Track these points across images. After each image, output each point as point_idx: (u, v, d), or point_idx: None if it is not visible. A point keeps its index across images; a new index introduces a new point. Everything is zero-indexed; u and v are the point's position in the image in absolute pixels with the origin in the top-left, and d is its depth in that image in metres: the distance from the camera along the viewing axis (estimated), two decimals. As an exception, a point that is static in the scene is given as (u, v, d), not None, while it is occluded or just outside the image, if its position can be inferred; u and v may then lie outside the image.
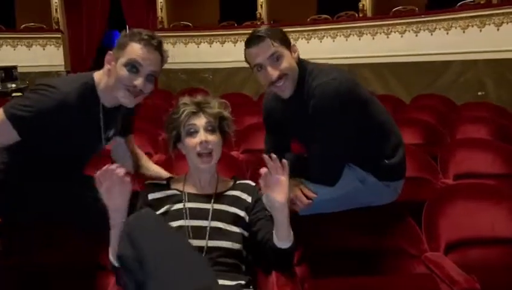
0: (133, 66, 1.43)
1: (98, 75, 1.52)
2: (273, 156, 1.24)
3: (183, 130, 1.45)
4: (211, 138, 1.43)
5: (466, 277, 1.40)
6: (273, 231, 1.34)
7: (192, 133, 1.44)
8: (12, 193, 1.48)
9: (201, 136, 1.42)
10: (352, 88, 1.52)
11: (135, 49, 1.44)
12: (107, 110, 1.55)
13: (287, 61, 1.55)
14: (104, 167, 1.21)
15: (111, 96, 1.50)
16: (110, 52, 1.50)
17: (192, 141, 1.43)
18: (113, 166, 1.21)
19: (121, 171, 1.21)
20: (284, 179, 1.26)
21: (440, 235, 1.64)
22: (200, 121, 1.44)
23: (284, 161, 1.26)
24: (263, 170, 1.25)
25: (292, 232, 1.33)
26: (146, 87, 1.47)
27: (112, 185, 1.22)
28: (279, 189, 1.25)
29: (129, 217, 1.22)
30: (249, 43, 1.57)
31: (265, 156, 1.25)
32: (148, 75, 1.46)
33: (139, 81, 1.44)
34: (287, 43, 1.57)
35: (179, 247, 1.13)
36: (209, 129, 1.44)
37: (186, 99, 1.49)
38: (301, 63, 1.61)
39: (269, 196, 1.26)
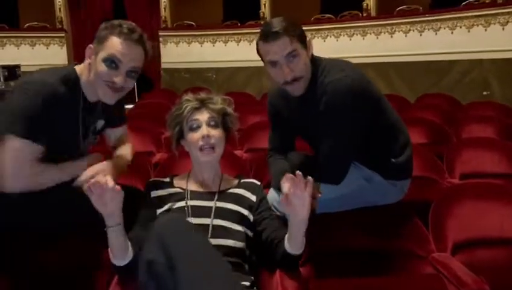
0: (112, 62, 1.37)
1: (79, 69, 1.47)
2: (298, 172, 1.17)
3: (186, 125, 1.44)
4: (214, 132, 1.41)
5: (474, 278, 1.37)
6: (286, 237, 1.32)
7: (195, 128, 1.42)
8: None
9: (204, 130, 1.40)
10: (365, 85, 1.50)
11: (115, 44, 1.37)
12: (90, 103, 1.50)
13: (303, 61, 1.49)
14: (93, 180, 1.17)
15: (92, 91, 1.45)
16: (91, 45, 1.43)
17: (195, 136, 1.41)
18: (102, 179, 1.17)
19: (110, 183, 1.17)
20: (307, 197, 1.19)
21: (447, 236, 1.61)
22: (203, 116, 1.42)
23: (309, 177, 1.19)
24: (286, 187, 1.20)
25: (304, 240, 1.31)
26: (127, 83, 1.42)
27: (103, 192, 1.18)
28: (301, 207, 1.20)
29: (160, 221, 1.19)
30: (265, 38, 1.47)
31: (289, 175, 1.20)
32: (129, 71, 1.40)
33: (118, 78, 1.38)
34: (303, 40, 1.50)
35: (210, 256, 1.11)
36: (212, 124, 1.42)
37: (189, 96, 1.47)
38: (314, 59, 1.57)
39: (289, 213, 1.24)
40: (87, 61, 1.43)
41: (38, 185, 1.37)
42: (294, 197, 1.19)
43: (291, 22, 1.49)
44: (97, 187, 1.16)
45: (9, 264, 1.46)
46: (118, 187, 1.19)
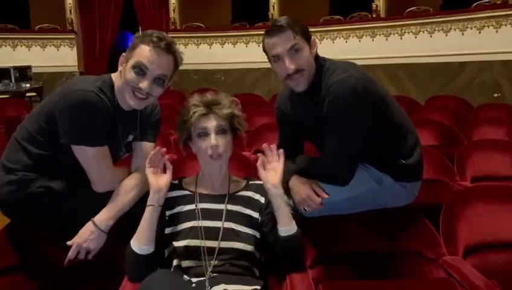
0: (140, 69, 1.41)
1: (114, 77, 1.51)
2: (273, 146, 1.42)
3: (194, 132, 1.44)
4: (222, 141, 1.41)
5: (487, 282, 1.35)
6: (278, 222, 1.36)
7: (203, 136, 1.42)
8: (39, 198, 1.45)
9: (212, 140, 1.40)
10: (369, 85, 1.49)
11: (143, 52, 1.41)
12: (125, 113, 1.53)
13: (306, 56, 1.52)
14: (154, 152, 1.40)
15: (123, 99, 1.47)
16: (124, 54, 1.47)
17: (203, 144, 1.42)
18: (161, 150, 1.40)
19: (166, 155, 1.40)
20: (279, 165, 1.39)
21: (458, 239, 1.59)
22: (211, 123, 1.42)
23: (281, 150, 1.41)
24: (260, 157, 1.41)
25: (294, 222, 1.37)
26: (153, 90, 1.44)
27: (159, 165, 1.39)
28: (273, 173, 1.38)
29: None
30: (269, 33, 1.52)
31: (265, 145, 1.41)
32: (156, 78, 1.43)
33: (144, 84, 1.41)
34: (307, 37, 1.54)
35: None
36: (220, 132, 1.42)
37: (196, 99, 1.46)
38: (319, 60, 1.58)
39: (263, 179, 1.38)
40: (119, 68, 1.47)
41: (116, 185, 1.50)
42: (268, 165, 1.40)
43: (296, 20, 1.54)
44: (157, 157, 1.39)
45: (21, 261, 1.47)
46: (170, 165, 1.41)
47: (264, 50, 1.58)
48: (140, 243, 1.31)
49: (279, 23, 1.50)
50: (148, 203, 1.35)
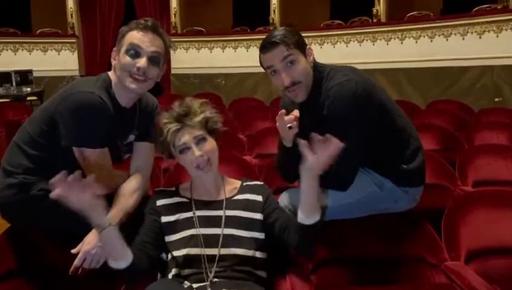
0: (134, 51, 1.43)
1: (110, 74, 1.52)
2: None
3: (174, 149, 1.41)
4: (205, 148, 1.38)
5: (489, 288, 1.34)
6: (299, 211, 1.30)
7: (184, 151, 1.39)
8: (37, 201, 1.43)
9: (195, 152, 1.37)
10: (369, 89, 1.48)
11: (133, 35, 1.44)
12: (125, 111, 1.52)
13: (301, 67, 1.51)
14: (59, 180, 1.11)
15: (123, 91, 1.48)
16: (114, 48, 1.49)
17: (187, 158, 1.39)
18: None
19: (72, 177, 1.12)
20: (326, 156, 1.23)
21: (460, 244, 1.58)
22: (188, 137, 1.38)
23: (334, 139, 1.22)
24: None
25: (319, 207, 1.30)
26: (150, 69, 1.44)
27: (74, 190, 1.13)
28: (320, 161, 1.23)
29: None
30: (263, 49, 1.53)
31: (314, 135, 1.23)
32: (151, 57, 1.44)
33: (141, 63, 1.42)
34: (301, 47, 1.53)
35: None
36: (199, 141, 1.39)
37: (165, 116, 1.42)
38: (317, 67, 1.57)
39: (306, 162, 1.24)
40: (113, 63, 1.49)
41: (114, 187, 1.49)
42: (319, 151, 1.22)
43: (290, 31, 1.53)
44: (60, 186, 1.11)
45: (21, 265, 1.47)
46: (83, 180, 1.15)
47: (261, 64, 1.59)
48: (114, 260, 1.26)
49: (272, 39, 1.49)
50: (98, 227, 1.22)
